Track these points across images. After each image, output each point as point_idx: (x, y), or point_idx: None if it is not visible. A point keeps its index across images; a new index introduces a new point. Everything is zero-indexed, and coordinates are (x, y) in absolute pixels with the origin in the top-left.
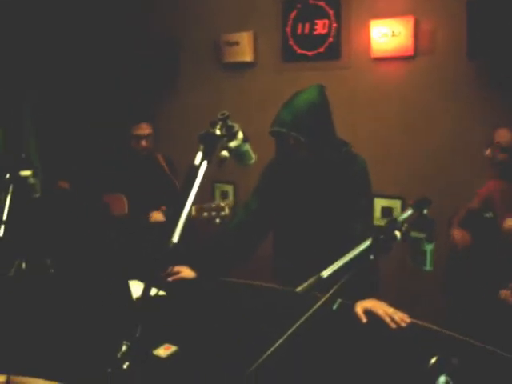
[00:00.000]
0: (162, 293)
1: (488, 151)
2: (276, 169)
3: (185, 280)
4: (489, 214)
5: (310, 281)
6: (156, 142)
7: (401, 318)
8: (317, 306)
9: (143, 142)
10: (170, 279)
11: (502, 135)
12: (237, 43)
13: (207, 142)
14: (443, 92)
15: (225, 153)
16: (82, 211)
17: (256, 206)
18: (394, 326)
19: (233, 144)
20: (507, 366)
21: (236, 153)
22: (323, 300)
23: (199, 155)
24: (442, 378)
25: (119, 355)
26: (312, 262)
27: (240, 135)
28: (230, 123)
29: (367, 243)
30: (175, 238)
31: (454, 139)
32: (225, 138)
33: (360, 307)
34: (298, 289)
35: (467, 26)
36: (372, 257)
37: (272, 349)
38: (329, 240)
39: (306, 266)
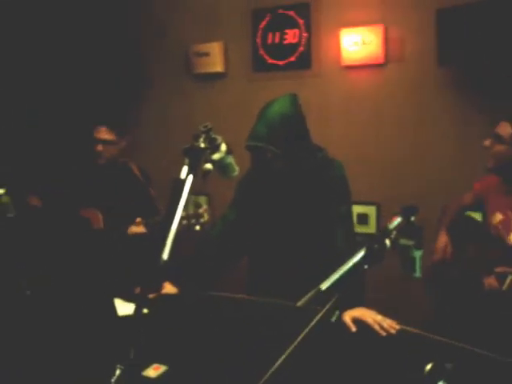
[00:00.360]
0: (144, 311)
1: (487, 141)
2: (252, 180)
3: (167, 296)
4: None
5: (310, 294)
6: (129, 152)
7: (389, 325)
8: (317, 318)
9: (99, 147)
10: (151, 296)
11: (502, 128)
12: (207, 54)
13: (192, 156)
14: (414, 98)
15: (208, 165)
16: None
17: (234, 217)
18: (383, 333)
19: (216, 156)
20: (499, 368)
21: (219, 165)
22: (323, 312)
23: (185, 169)
24: None
25: (113, 380)
26: (293, 272)
27: (223, 147)
28: (212, 135)
29: (361, 253)
30: (165, 255)
31: (425, 144)
32: (208, 151)
33: (348, 316)
34: (299, 303)
35: (437, 34)
36: (366, 266)
37: (276, 365)
38: (310, 249)
39: (287, 277)
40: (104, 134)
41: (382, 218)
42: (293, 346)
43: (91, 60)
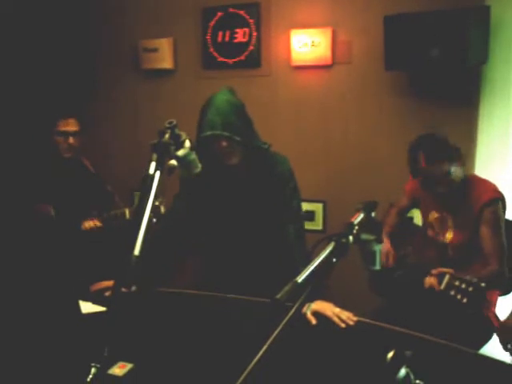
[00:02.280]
0: (101, 308)
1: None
2: (200, 175)
3: (130, 293)
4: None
5: (287, 287)
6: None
7: (348, 316)
8: (291, 313)
9: (70, 140)
10: (93, 289)
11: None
12: (156, 50)
13: (159, 151)
14: (360, 100)
15: (173, 162)
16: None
17: (183, 210)
18: (342, 325)
19: (180, 153)
20: (451, 354)
21: (183, 161)
22: (297, 306)
23: (153, 164)
24: (403, 371)
25: (89, 379)
26: (246, 266)
27: (187, 144)
28: (177, 132)
29: (330, 247)
30: (137, 251)
31: (370, 144)
32: (172, 147)
33: (308, 310)
34: (278, 296)
35: (384, 38)
36: (335, 260)
37: (254, 362)
38: (262, 245)
39: (241, 272)
40: (73, 125)
41: (329, 215)
42: (269, 342)
43: (40, 54)
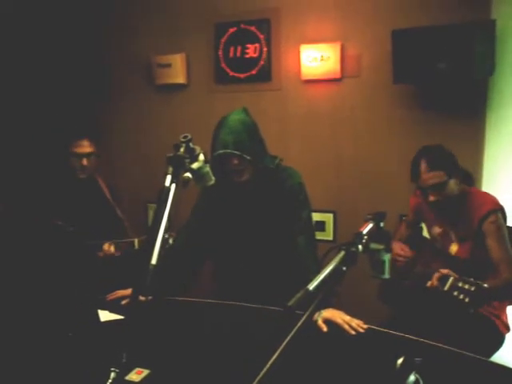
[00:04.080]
0: (117, 316)
1: (432, 198)
2: (215, 190)
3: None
4: (420, 225)
5: (299, 295)
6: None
7: (358, 324)
8: (303, 320)
9: (84, 161)
10: (109, 298)
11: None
12: (169, 65)
13: (175, 164)
14: (369, 113)
15: (188, 174)
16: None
17: (196, 225)
18: (353, 332)
19: (195, 166)
20: (460, 361)
21: (198, 174)
22: (308, 314)
23: (168, 177)
24: (412, 377)
25: (109, 383)
26: (259, 277)
27: (201, 157)
28: (192, 146)
29: (340, 256)
30: (154, 260)
31: (379, 156)
32: (187, 160)
33: (319, 317)
34: (290, 303)
35: (392, 52)
36: (344, 268)
37: (265, 370)
38: (273, 255)
39: (254, 283)
40: (87, 147)
41: (339, 225)
42: (281, 349)
43: (54, 69)
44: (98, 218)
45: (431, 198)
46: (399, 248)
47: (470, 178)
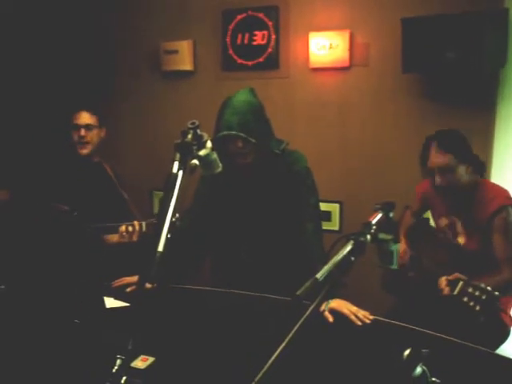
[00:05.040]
0: (123, 303)
1: (438, 180)
2: (218, 174)
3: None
4: (425, 215)
5: (307, 284)
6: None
7: (364, 315)
8: (310, 310)
9: (82, 131)
10: (115, 285)
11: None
12: (176, 52)
13: (182, 151)
14: (377, 102)
15: (195, 161)
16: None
17: (199, 211)
18: (359, 323)
19: (202, 152)
20: (467, 352)
21: (205, 161)
22: (315, 304)
23: (176, 164)
24: (419, 369)
25: (115, 370)
26: (263, 264)
27: (209, 144)
28: (199, 132)
29: (349, 246)
30: (160, 247)
31: (387, 146)
32: (195, 147)
33: (326, 307)
34: (298, 292)
35: (402, 41)
36: (353, 258)
37: (272, 359)
38: (280, 242)
39: (258, 271)
40: (86, 118)
41: (345, 216)
42: (288, 338)
43: (60, 54)
44: (102, 199)
45: (438, 181)
46: (401, 253)
47: (483, 168)
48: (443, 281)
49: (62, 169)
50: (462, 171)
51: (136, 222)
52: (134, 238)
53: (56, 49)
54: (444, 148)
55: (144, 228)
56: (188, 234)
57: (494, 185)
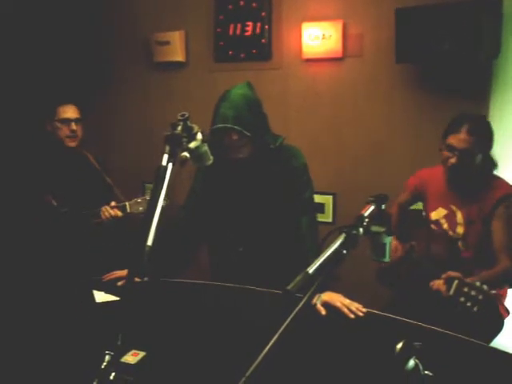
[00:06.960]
0: (113, 297)
1: (452, 160)
2: (214, 169)
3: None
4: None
5: (298, 278)
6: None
7: (357, 308)
8: (302, 303)
9: (73, 126)
10: (105, 279)
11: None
12: (168, 42)
13: (172, 143)
14: (371, 92)
15: (185, 153)
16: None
17: (195, 205)
18: (352, 316)
19: (192, 145)
20: (460, 345)
21: (195, 154)
22: (307, 297)
23: (165, 156)
24: (411, 362)
25: (103, 366)
26: (257, 258)
27: (199, 136)
28: (189, 124)
29: (341, 239)
30: (149, 242)
31: (381, 137)
32: (185, 139)
33: (318, 301)
34: (289, 287)
35: (396, 31)
36: (345, 251)
37: (264, 352)
38: (274, 236)
39: (251, 263)
40: (73, 112)
41: (338, 208)
42: (279, 332)
43: (50, 46)
44: (85, 185)
45: (452, 161)
46: (393, 248)
47: (494, 167)
48: (439, 282)
49: (48, 161)
50: (479, 160)
51: (113, 203)
52: (119, 214)
53: (46, 42)
54: (474, 133)
55: (128, 209)
56: (184, 228)
57: (495, 176)
